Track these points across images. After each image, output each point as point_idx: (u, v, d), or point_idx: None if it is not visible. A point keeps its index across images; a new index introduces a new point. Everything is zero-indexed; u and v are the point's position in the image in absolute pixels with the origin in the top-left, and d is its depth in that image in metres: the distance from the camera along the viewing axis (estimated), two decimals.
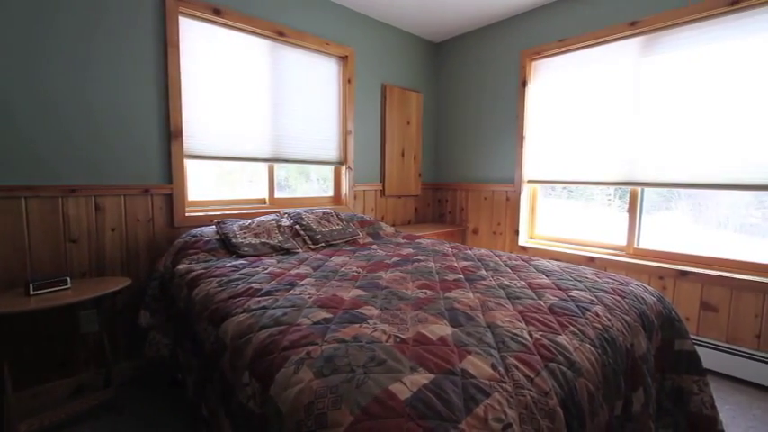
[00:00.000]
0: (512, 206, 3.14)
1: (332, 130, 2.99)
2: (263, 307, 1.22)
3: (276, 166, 2.75)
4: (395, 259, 1.92)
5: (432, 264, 1.82)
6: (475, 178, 3.44)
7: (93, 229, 1.93)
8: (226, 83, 2.39)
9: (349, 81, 3.01)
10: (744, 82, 2.07)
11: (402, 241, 2.47)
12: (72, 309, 1.89)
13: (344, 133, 3.05)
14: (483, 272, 1.69)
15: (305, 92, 2.79)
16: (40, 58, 1.75)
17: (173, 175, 2.16)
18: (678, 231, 2.49)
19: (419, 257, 1.96)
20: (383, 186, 3.34)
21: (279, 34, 2.56)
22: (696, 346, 1.76)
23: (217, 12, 2.26)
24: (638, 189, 2.54)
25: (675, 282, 2.30)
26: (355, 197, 3.16)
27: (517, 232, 3.10)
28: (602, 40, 2.58)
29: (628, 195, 2.60)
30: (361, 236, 2.50)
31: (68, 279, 1.68)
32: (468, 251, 2.12)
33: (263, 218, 2.28)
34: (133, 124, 2.03)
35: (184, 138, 2.22)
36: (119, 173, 2.00)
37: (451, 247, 2.22)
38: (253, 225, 2.16)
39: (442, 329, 1.06)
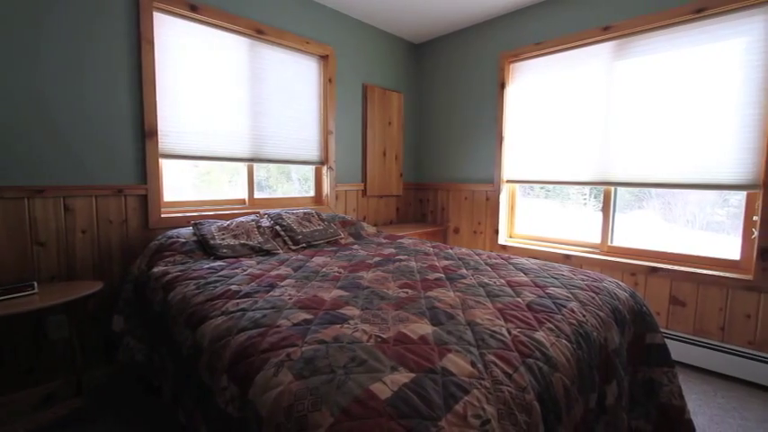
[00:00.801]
0: (491, 206, 3.19)
1: (313, 130, 2.97)
2: (242, 309, 1.20)
3: (256, 165, 2.71)
4: (376, 259, 1.93)
5: (413, 263, 1.83)
6: (456, 178, 3.48)
7: (63, 232, 1.86)
8: (203, 81, 2.34)
9: (330, 80, 2.99)
10: (708, 86, 2.17)
11: (384, 241, 2.48)
12: (40, 315, 1.81)
13: (325, 133, 3.03)
14: (464, 271, 1.71)
15: (285, 91, 2.76)
16: None
17: (147, 174, 2.10)
18: (649, 229, 2.59)
19: (401, 257, 1.96)
20: (365, 186, 3.34)
21: (258, 32, 2.52)
22: (666, 339, 1.83)
23: (193, 8, 2.21)
24: (612, 188, 2.62)
25: (647, 278, 2.39)
26: (337, 197, 3.14)
27: (497, 231, 3.16)
28: (577, 43, 2.66)
29: (602, 195, 2.68)
30: (342, 236, 2.49)
31: (35, 284, 1.61)
32: (450, 250, 2.15)
33: (242, 218, 2.24)
34: (105, 122, 1.96)
35: (160, 136, 2.16)
36: (90, 173, 1.93)
37: (433, 247, 2.24)
38: (232, 226, 2.12)
39: (422, 328, 1.07)
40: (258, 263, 1.82)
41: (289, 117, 2.80)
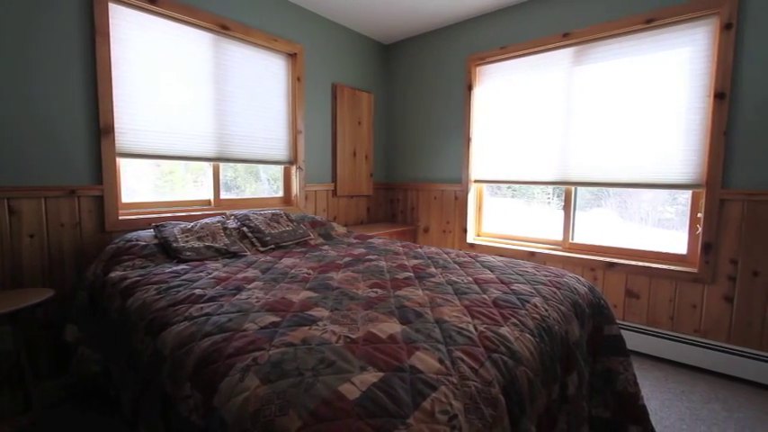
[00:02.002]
0: (460, 205, 3.26)
1: (281, 129, 2.91)
2: (207, 314, 1.17)
3: (223, 165, 2.63)
4: (347, 259, 1.92)
5: (383, 263, 1.84)
6: (425, 178, 3.52)
7: (7, 236, 1.72)
8: (165, 77, 2.24)
9: (298, 79, 2.95)
10: (659, 92, 2.31)
11: (354, 241, 2.47)
12: None
13: (294, 132, 2.98)
14: (432, 269, 1.74)
15: (252, 89, 2.70)
16: None
17: (103, 174, 1.99)
18: (607, 226, 2.73)
19: (371, 257, 1.97)
20: (335, 186, 3.31)
21: (222, 27, 2.45)
22: (622, 330, 1.94)
23: (152, 0, 2.11)
24: (572, 188, 2.75)
25: (604, 272, 2.52)
26: (306, 197, 3.10)
27: (465, 230, 3.23)
28: (540, 48, 2.76)
29: (564, 194, 2.80)
30: (312, 237, 2.46)
31: None
32: (419, 249, 2.17)
33: (207, 220, 2.17)
34: (56, 119, 1.83)
35: (117, 134, 2.05)
36: (39, 172, 1.80)
37: (403, 246, 2.26)
38: (196, 228, 2.05)
39: (391, 327, 1.07)
40: (224, 265, 1.76)
41: (256, 116, 2.73)
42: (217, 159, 2.52)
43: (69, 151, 1.89)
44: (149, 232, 1.98)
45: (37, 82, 1.78)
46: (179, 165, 2.52)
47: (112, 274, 1.64)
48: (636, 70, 2.39)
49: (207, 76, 2.44)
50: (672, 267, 2.29)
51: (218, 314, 1.16)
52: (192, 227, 2.04)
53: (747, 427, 1.67)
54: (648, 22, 2.29)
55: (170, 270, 1.64)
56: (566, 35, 2.61)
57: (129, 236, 1.91)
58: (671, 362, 2.25)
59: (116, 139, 2.05)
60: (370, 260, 1.90)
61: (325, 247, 2.29)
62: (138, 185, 2.33)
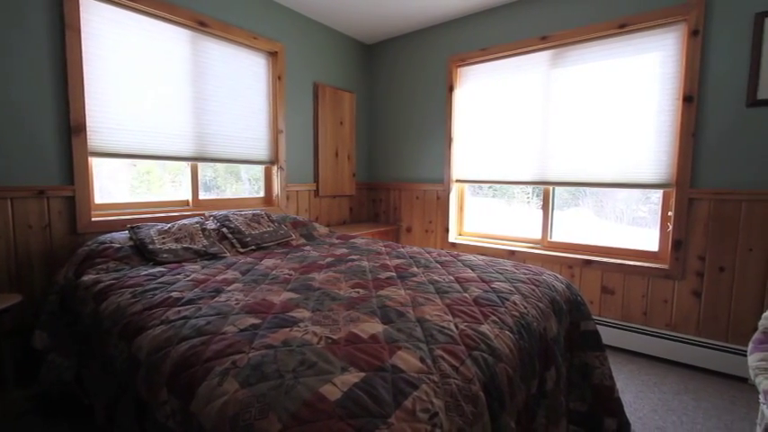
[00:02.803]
0: (442, 205, 3.29)
1: (262, 129, 2.88)
2: (184, 317, 1.14)
3: (202, 165, 2.58)
4: (329, 260, 1.91)
5: (365, 263, 1.84)
6: (407, 178, 3.54)
7: None
8: (140, 74, 2.18)
9: (279, 78, 2.91)
10: (632, 95, 2.39)
11: (336, 241, 2.46)
12: None
13: (275, 132, 2.95)
14: (414, 269, 1.75)
15: (232, 87, 2.65)
16: None
17: (75, 174, 1.92)
18: (584, 225, 2.81)
19: (353, 257, 1.96)
20: (317, 186, 3.29)
21: (200, 24, 2.40)
22: (597, 326, 2.00)
23: None
24: (550, 188, 2.81)
25: (581, 270, 2.59)
26: (288, 198, 3.07)
27: (447, 230, 3.26)
28: (519, 51, 2.81)
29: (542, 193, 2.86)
30: (293, 237, 2.44)
31: None
32: (401, 249, 2.18)
33: (185, 221, 2.12)
34: (22, 116, 1.76)
35: (89, 133, 1.99)
36: (4, 172, 1.72)
37: (385, 246, 2.26)
38: (173, 229, 2.00)
39: (373, 327, 1.07)
40: (203, 267, 1.73)
41: (236, 114, 2.69)
42: (195, 159, 2.47)
43: (38, 150, 1.81)
44: (124, 234, 1.92)
45: (3, 80, 1.70)
46: (156, 164, 2.45)
47: (85, 278, 1.59)
48: (610, 73, 2.46)
49: (185, 74, 2.39)
50: (645, 264, 2.37)
51: (197, 317, 1.14)
52: (169, 228, 1.99)
53: (714, 416, 1.75)
54: (622, 27, 2.37)
55: (146, 273, 1.59)
56: (543, 38, 2.67)
57: (102, 238, 1.84)
58: (644, 355, 2.33)
59: (89, 137, 1.98)
60: (353, 260, 1.89)
61: (307, 247, 2.27)
62: (113, 186, 2.26)
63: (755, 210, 2.04)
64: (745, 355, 2.02)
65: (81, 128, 1.93)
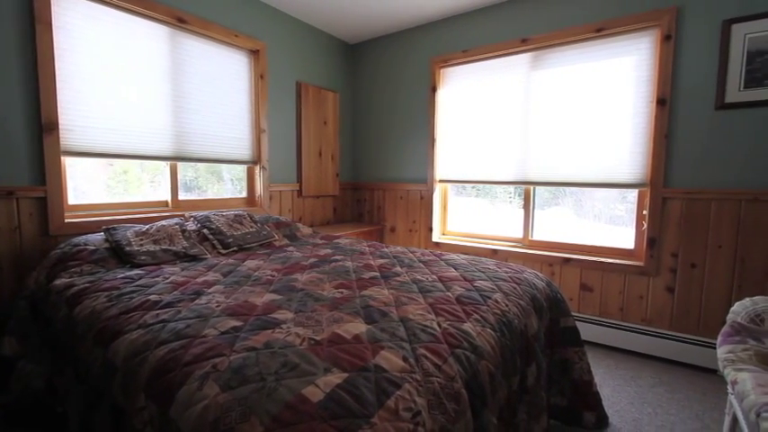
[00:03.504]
0: (425, 205, 3.31)
1: (243, 128, 2.83)
2: (163, 321, 1.11)
3: (182, 165, 2.52)
4: (312, 260, 1.90)
5: (349, 263, 1.84)
6: (391, 178, 3.55)
7: None
8: (117, 71, 2.11)
9: (261, 77, 2.88)
10: (609, 97, 2.46)
11: (320, 242, 2.45)
12: None
13: (257, 131, 2.91)
14: (398, 268, 1.75)
15: (212, 86, 2.60)
16: None
17: (47, 174, 1.85)
18: (564, 224, 2.87)
19: (337, 257, 1.96)
20: (300, 186, 3.26)
21: (179, 21, 2.34)
22: (576, 322, 2.05)
23: None
24: (531, 188, 2.86)
25: (561, 268, 2.65)
26: (271, 198, 3.03)
27: (431, 229, 3.28)
28: (500, 53, 2.85)
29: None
30: (276, 238, 2.42)
31: None
32: (385, 249, 2.19)
33: (164, 222, 2.07)
34: None
35: (62, 131, 1.92)
36: None
37: (369, 246, 2.26)
38: (151, 230, 1.95)
39: (356, 328, 1.07)
40: (183, 269, 1.69)
41: (217, 113, 2.64)
42: (174, 159, 2.41)
43: (6, 150, 1.74)
44: (100, 236, 1.86)
45: None
46: (134, 164, 2.38)
47: (57, 282, 1.53)
48: (588, 76, 2.53)
49: (163, 72, 2.33)
50: (621, 261, 2.44)
51: (176, 320, 1.11)
52: (147, 229, 1.94)
53: (687, 407, 1.82)
54: (599, 31, 2.43)
55: (123, 276, 1.55)
56: (524, 41, 2.72)
57: (76, 240, 1.78)
58: (621, 350, 2.41)
59: (62, 136, 1.91)
60: (336, 261, 1.89)
61: (291, 248, 2.25)
62: (88, 186, 2.19)
63: (724, 208, 2.13)
64: (715, 348, 2.11)
65: (53, 126, 1.86)
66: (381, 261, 1.89)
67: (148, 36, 2.25)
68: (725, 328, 1.48)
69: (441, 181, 3.26)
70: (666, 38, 2.22)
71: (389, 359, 0.92)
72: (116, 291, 1.37)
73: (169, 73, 2.36)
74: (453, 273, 1.68)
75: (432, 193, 3.26)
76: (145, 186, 2.46)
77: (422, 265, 1.81)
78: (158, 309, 1.21)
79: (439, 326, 1.12)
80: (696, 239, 2.21)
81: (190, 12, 2.41)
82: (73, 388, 1.21)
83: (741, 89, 2.04)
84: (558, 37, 2.58)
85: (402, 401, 0.79)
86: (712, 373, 2.12)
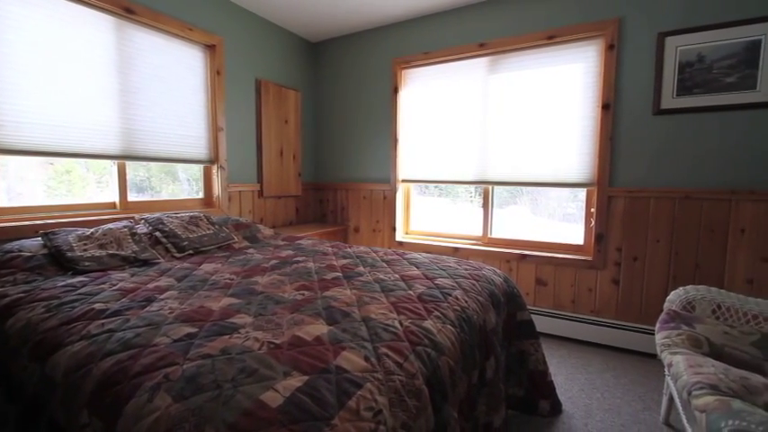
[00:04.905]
0: (389, 204, 3.34)
1: (199, 126, 2.71)
2: (109, 330, 1.05)
3: (132, 164, 2.37)
4: (273, 262, 1.86)
5: (311, 264, 1.81)
6: (354, 178, 3.54)
7: None
8: (56, 63, 1.95)
9: (218, 73, 2.77)
10: (560, 101, 2.60)
11: (282, 243, 2.40)
12: None
13: (215, 129, 2.80)
14: (361, 268, 1.75)
15: (164, 81, 2.47)
16: None
17: None
18: (521, 222, 3.00)
19: (299, 259, 1.93)
20: (261, 187, 3.18)
21: (127, 11, 2.20)
22: (532, 315, 2.15)
23: None
24: (490, 187, 2.97)
25: (518, 264, 2.76)
26: (230, 199, 2.93)
27: (394, 229, 3.31)
28: (460, 56, 2.93)
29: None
30: (236, 240, 2.34)
31: None
32: (348, 249, 2.18)
33: (111, 225, 1.94)
34: None
35: None
36: None
37: (332, 247, 2.25)
38: (97, 234, 1.82)
39: (318, 329, 1.07)
40: (132, 275, 1.60)
41: (170, 110, 2.51)
42: (122, 157, 2.27)
43: None
44: (37, 241, 1.72)
45: None
46: (78, 163, 2.22)
47: None
48: (542, 81, 2.65)
49: (109, 65, 2.18)
50: (572, 257, 2.59)
51: (124, 329, 1.05)
52: (92, 233, 1.81)
53: (631, 390, 1.96)
54: (550, 38, 2.56)
55: (63, 284, 1.44)
56: (481, 45, 2.81)
57: (8, 246, 1.63)
58: (573, 340, 2.55)
59: None
60: (299, 262, 1.86)
61: (251, 250, 2.19)
62: (24, 187, 2.01)
63: (661, 206, 2.31)
64: (655, 334, 2.29)
65: None
66: (344, 261, 1.89)
67: (91, 25, 2.10)
68: (662, 316, 1.61)
69: (403, 181, 3.30)
70: (610, 47, 2.38)
71: (351, 359, 0.92)
72: (56, 300, 1.27)
73: (116, 66, 2.21)
74: (415, 271, 1.70)
75: (395, 193, 3.29)
76: (91, 187, 2.30)
77: (385, 265, 1.82)
78: (104, 318, 1.13)
79: (401, 324, 1.14)
80: (637, 235, 2.38)
81: (138, 2, 2.27)
82: (5, 408, 1.11)
83: (674, 96, 2.23)
84: (514, 42, 2.69)
85: (363, 401, 0.80)
86: (653, 357, 2.30)
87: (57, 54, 1.96)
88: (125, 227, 1.97)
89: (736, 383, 1.11)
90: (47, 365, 0.98)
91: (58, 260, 1.64)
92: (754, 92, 2.05)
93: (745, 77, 2.06)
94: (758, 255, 2.11)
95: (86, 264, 1.64)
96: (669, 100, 2.24)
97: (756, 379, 1.13)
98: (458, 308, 1.33)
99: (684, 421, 1.34)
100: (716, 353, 1.36)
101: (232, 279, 1.56)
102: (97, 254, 1.72)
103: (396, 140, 3.26)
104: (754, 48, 2.04)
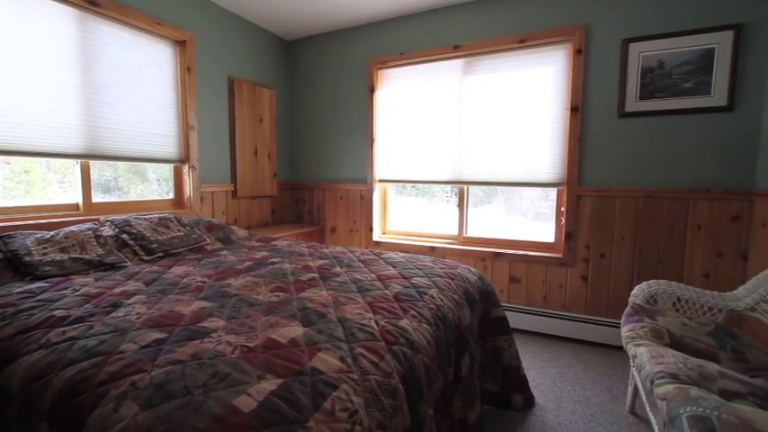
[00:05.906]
0: (365, 204, 3.33)
1: (169, 124, 2.62)
2: (71, 338, 1.00)
3: (97, 164, 2.27)
4: (247, 264, 1.82)
5: (287, 265, 1.79)
6: (331, 178, 3.52)
7: None
8: (12, 56, 1.84)
9: (189, 70, 2.69)
10: (532, 103, 2.67)
11: (257, 244, 2.35)
12: None
13: (185, 128, 2.71)
14: (337, 269, 1.75)
15: (131, 77, 2.37)
16: None
17: None
18: (496, 221, 3.07)
19: (274, 260, 1.90)
20: (235, 187, 3.11)
21: (90, 3, 2.10)
22: (506, 312, 2.20)
23: None
24: (465, 187, 3.02)
25: (492, 262, 2.82)
26: (202, 199, 2.85)
27: (371, 229, 3.31)
28: (435, 57, 2.96)
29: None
30: (208, 242, 2.28)
31: None
32: (325, 249, 2.17)
33: (73, 228, 1.85)
34: None
35: None
36: None
37: (308, 247, 2.23)
38: (58, 237, 1.73)
39: (293, 331, 1.05)
40: (97, 280, 1.53)
41: (137, 107, 2.41)
42: (85, 156, 2.16)
43: None
44: None
45: None
46: (38, 163, 2.10)
47: None
48: (514, 83, 2.72)
49: (71, 60, 2.07)
50: (544, 254, 2.67)
51: (87, 337, 1.00)
52: (52, 236, 1.72)
53: (599, 382, 2.05)
54: (522, 41, 2.63)
55: (20, 290, 1.36)
56: (456, 47, 2.85)
57: None
58: (545, 335, 2.63)
59: None
60: (274, 263, 1.83)
61: (224, 252, 2.14)
62: None
63: (625, 205, 2.42)
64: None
65: None
66: (321, 262, 1.87)
67: (51, 17, 1.99)
68: (627, 309, 1.69)
69: (380, 181, 3.31)
70: (578, 51, 2.47)
71: (326, 360, 0.91)
72: (11, 308, 1.20)
73: (79, 61, 2.11)
74: (392, 271, 1.71)
75: (372, 193, 3.29)
76: (52, 188, 2.18)
77: (361, 265, 1.82)
78: (65, 325, 1.08)
79: (377, 324, 1.14)
80: (604, 232, 2.49)
81: None
82: None
83: (637, 100, 2.34)
84: (487, 45, 2.74)
85: (339, 402, 0.80)
86: (620, 349, 2.41)
87: (13, 46, 1.85)
88: (89, 229, 1.88)
89: (694, 372, 1.17)
90: (1, 377, 0.92)
91: (15, 265, 1.55)
92: (709, 97, 2.18)
93: (701, 83, 2.19)
94: (713, 250, 2.24)
95: (46, 269, 1.56)
96: (633, 103, 2.35)
97: (711, 367, 1.20)
98: (433, 306, 1.35)
99: (648, 409, 1.41)
100: (676, 343, 1.43)
101: (204, 282, 1.52)
102: (58, 258, 1.63)
103: (372, 140, 3.26)
104: (708, 55, 2.16)
